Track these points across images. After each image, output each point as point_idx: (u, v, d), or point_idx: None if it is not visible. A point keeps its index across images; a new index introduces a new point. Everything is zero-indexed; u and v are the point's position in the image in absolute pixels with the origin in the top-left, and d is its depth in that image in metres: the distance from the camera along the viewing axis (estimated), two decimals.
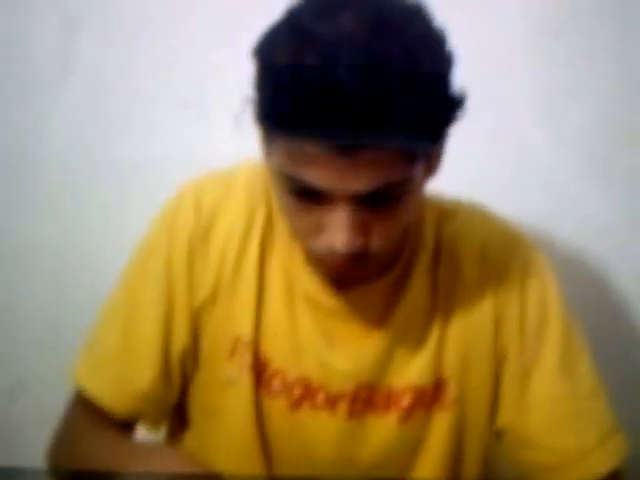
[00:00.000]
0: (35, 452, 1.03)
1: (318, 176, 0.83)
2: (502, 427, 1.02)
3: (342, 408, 0.99)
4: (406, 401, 1.00)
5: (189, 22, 1.32)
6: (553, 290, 1.03)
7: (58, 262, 1.40)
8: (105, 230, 1.38)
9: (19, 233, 1.40)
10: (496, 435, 1.03)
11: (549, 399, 1.00)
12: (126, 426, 1.03)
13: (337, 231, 0.85)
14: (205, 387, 1.03)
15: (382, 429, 1.00)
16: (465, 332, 1.01)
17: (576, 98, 1.30)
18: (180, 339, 1.00)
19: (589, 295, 1.26)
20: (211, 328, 1.01)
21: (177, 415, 1.07)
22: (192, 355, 1.01)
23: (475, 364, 1.01)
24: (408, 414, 1.00)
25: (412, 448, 1.02)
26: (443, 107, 0.85)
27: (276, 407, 1.00)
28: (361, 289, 0.98)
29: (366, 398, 1.00)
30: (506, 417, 1.02)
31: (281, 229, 0.99)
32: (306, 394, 1.00)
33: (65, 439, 1.04)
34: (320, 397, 1.00)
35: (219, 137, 1.17)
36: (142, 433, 1.07)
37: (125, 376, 1.00)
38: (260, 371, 1.00)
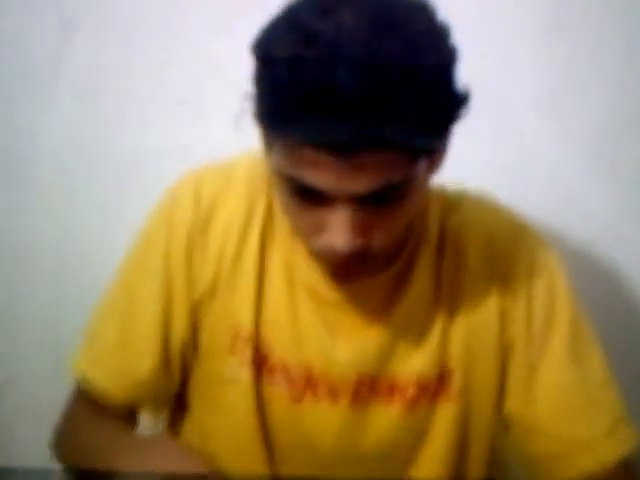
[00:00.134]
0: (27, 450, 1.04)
1: (318, 177, 0.82)
2: (509, 417, 1.01)
3: (344, 399, 0.99)
4: (409, 392, 0.99)
5: (185, 21, 1.31)
6: (561, 280, 1.02)
7: (57, 262, 1.40)
8: (103, 229, 1.37)
9: (17, 233, 1.40)
10: (503, 425, 1.02)
11: (557, 388, 0.99)
12: (127, 417, 1.03)
13: (338, 231, 0.84)
14: (206, 379, 1.02)
15: (385, 420, 0.99)
16: (470, 323, 1.00)
17: (581, 94, 1.29)
18: (179, 331, 1.00)
19: (595, 292, 1.25)
20: (211, 321, 1.00)
21: (177, 405, 1.06)
22: (192, 347, 1.01)
23: (480, 355, 1.00)
24: (411, 405, 0.99)
25: (416, 439, 1.01)
26: (447, 105, 0.83)
27: (277, 398, 1.00)
28: (363, 281, 0.97)
29: (368, 389, 0.99)
30: (513, 407, 1.01)
31: (282, 221, 0.98)
32: (308, 385, 0.99)
33: (67, 430, 1.04)
34: (322, 388, 0.99)
35: (216, 135, 1.16)
36: (145, 423, 1.08)
37: (124, 366, 1.00)
38: (261, 363, 1.00)
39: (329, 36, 0.77)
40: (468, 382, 1.00)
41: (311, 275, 0.97)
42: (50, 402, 1.06)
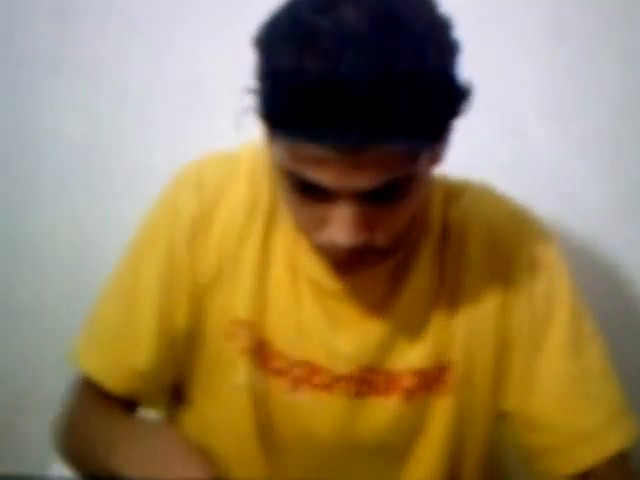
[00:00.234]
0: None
1: (320, 174, 0.82)
2: (508, 410, 1.01)
3: (343, 389, 0.99)
4: (408, 384, 0.99)
5: (186, 12, 1.32)
6: (562, 272, 1.02)
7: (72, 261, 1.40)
8: (102, 221, 1.39)
9: (16, 230, 1.41)
10: (502, 418, 1.02)
11: (556, 380, 0.99)
12: (129, 406, 1.03)
13: (339, 227, 0.84)
14: (206, 368, 1.02)
15: (383, 411, 0.99)
16: (471, 315, 0.99)
17: (581, 94, 1.30)
18: (180, 320, 1.00)
19: (595, 291, 1.25)
20: (212, 309, 1.00)
21: (177, 397, 1.06)
22: (192, 336, 1.01)
23: (480, 347, 1.00)
24: (410, 396, 0.99)
25: (414, 431, 1.01)
26: (449, 101, 0.83)
27: (277, 388, 1.00)
28: (365, 272, 0.97)
29: (368, 380, 0.99)
30: (512, 399, 1.00)
31: (284, 213, 0.98)
32: (307, 375, 0.99)
33: (68, 419, 1.04)
34: (321, 379, 0.99)
35: (218, 125, 1.15)
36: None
37: (124, 355, 1.00)
38: (261, 352, 0.99)
39: (331, 33, 0.77)
40: (467, 374, 1.00)
41: (313, 266, 0.97)
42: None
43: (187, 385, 1.05)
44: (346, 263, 0.93)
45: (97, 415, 1.01)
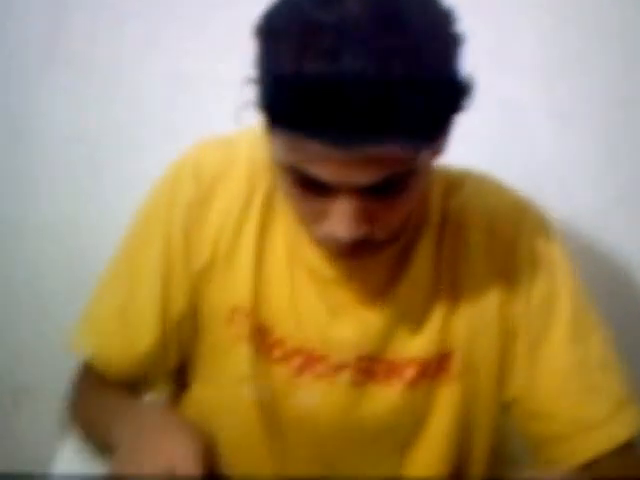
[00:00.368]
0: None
1: (319, 169, 0.82)
2: (512, 398, 1.01)
3: (344, 378, 0.99)
4: (410, 372, 0.98)
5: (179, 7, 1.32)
6: (563, 261, 1.01)
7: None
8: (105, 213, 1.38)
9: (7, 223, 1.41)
10: (507, 408, 1.02)
11: (559, 370, 0.99)
12: (131, 389, 1.03)
13: (340, 221, 0.84)
14: (205, 354, 1.03)
15: (384, 399, 0.99)
16: (472, 304, 0.99)
17: (573, 77, 1.30)
18: (178, 304, 1.00)
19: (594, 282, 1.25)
20: (210, 295, 1.00)
21: (178, 382, 1.07)
22: (191, 321, 1.01)
23: (482, 336, 0.99)
24: (412, 386, 0.99)
25: (416, 420, 1.00)
26: (450, 99, 0.82)
27: (276, 375, 1.00)
28: (365, 260, 0.96)
29: (368, 369, 0.99)
30: (516, 388, 1.00)
31: (283, 201, 0.97)
32: (307, 363, 0.99)
33: (73, 400, 1.05)
34: (321, 366, 0.99)
35: (211, 119, 1.14)
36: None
37: (124, 339, 1.01)
38: (260, 340, 0.99)
39: (332, 30, 0.76)
40: (469, 363, 1.00)
41: (312, 253, 0.97)
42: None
43: (189, 370, 1.05)
44: (346, 254, 0.92)
45: (97, 397, 1.02)
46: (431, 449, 1.01)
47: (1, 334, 1.46)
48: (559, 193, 1.30)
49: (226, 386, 1.01)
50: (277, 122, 0.82)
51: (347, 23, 0.76)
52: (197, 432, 0.84)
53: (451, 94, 0.82)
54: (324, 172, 0.81)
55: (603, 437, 0.97)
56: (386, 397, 0.99)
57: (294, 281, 0.99)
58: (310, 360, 0.99)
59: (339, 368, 0.99)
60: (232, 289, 0.99)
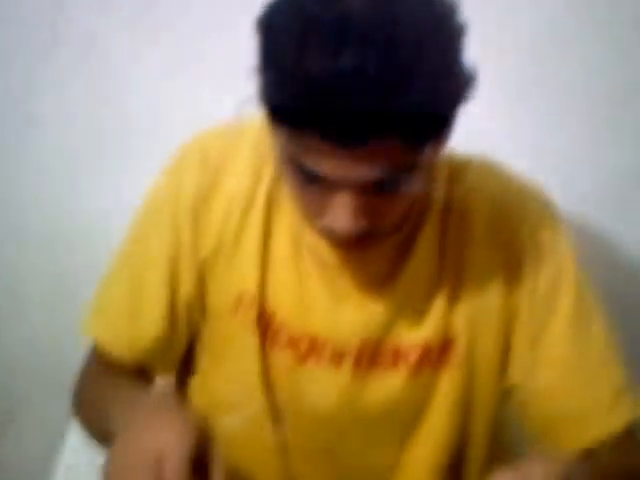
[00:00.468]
0: None
1: (319, 164, 0.82)
2: (512, 385, 1.01)
3: (347, 363, 0.99)
4: (413, 359, 0.99)
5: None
6: (567, 249, 1.02)
7: None
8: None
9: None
10: (508, 395, 1.02)
11: (560, 357, 0.99)
12: (140, 375, 1.03)
13: (340, 215, 0.84)
14: (211, 339, 1.04)
15: (387, 385, 1.00)
16: (475, 291, 0.99)
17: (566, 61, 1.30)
18: (186, 290, 1.01)
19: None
20: (216, 281, 1.01)
21: (185, 368, 1.07)
22: (198, 306, 1.02)
23: (485, 323, 1.00)
24: (415, 372, 1.00)
25: (419, 405, 1.01)
26: (452, 93, 0.82)
27: (281, 360, 1.00)
28: (367, 249, 0.96)
29: (371, 355, 0.99)
30: (517, 375, 1.01)
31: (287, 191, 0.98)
32: (312, 349, 1.00)
33: (79, 387, 1.05)
34: (325, 352, 1.00)
35: (216, 108, 1.15)
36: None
37: (132, 325, 1.01)
38: (266, 325, 1.00)
39: (333, 26, 0.76)
40: (472, 350, 1.00)
41: (315, 241, 0.97)
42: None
43: (195, 356, 1.06)
44: (347, 246, 0.93)
45: (101, 385, 1.03)
46: (432, 434, 1.02)
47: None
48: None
49: (232, 372, 1.02)
50: (277, 117, 0.82)
51: (348, 19, 0.76)
52: (192, 421, 0.82)
53: (453, 88, 0.82)
54: (324, 167, 0.82)
55: (602, 424, 0.98)
56: (388, 383, 1.00)
57: (299, 267, 0.99)
58: (314, 346, 1.00)
59: (343, 354, 0.99)
60: (238, 275, 1.00)
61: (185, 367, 1.08)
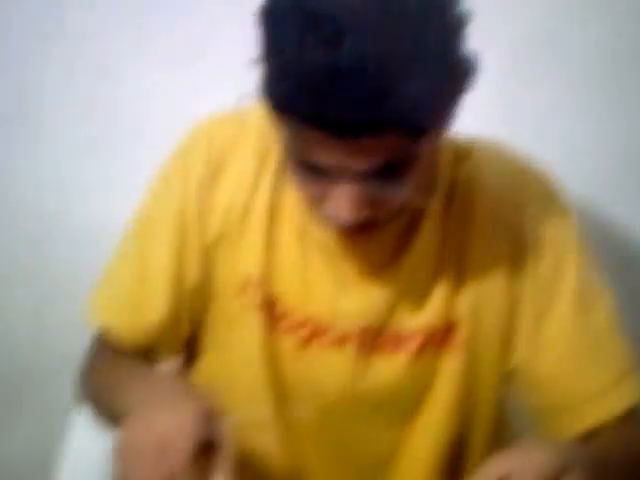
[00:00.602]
0: None
1: (319, 155, 0.82)
2: (516, 368, 1.02)
3: (350, 348, 1.00)
4: (415, 342, 1.00)
5: None
6: (570, 230, 1.02)
7: None
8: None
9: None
10: (510, 379, 1.03)
11: (563, 340, 0.99)
12: (145, 358, 1.04)
13: (341, 204, 0.85)
14: (216, 323, 1.04)
15: (390, 369, 1.00)
16: (478, 277, 0.99)
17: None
18: (191, 274, 1.01)
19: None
20: (221, 265, 1.01)
21: (189, 352, 1.08)
22: (203, 290, 1.02)
23: (488, 307, 1.00)
24: (417, 355, 1.00)
25: (421, 389, 1.02)
26: (452, 83, 0.82)
27: (285, 345, 1.01)
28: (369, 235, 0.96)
29: (374, 339, 1.00)
30: (520, 358, 1.01)
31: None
32: (315, 333, 1.00)
33: (85, 371, 1.06)
34: (328, 336, 1.00)
35: (217, 99, 1.16)
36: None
37: (138, 308, 1.02)
38: (270, 309, 1.00)
39: (332, 17, 0.76)
40: (475, 334, 1.00)
41: (320, 227, 0.97)
42: None
43: (200, 339, 1.06)
44: (351, 233, 0.93)
45: (109, 368, 1.03)
46: (434, 418, 1.02)
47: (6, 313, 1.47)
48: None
49: (236, 355, 1.03)
50: (277, 108, 0.82)
51: (348, 10, 0.76)
52: (202, 404, 0.83)
53: (453, 78, 0.82)
54: (324, 158, 0.82)
55: (604, 406, 0.98)
56: (391, 368, 1.00)
57: (304, 252, 1.00)
58: (317, 330, 1.00)
59: (345, 339, 1.00)
60: (243, 259, 1.00)
61: (189, 350, 1.08)
